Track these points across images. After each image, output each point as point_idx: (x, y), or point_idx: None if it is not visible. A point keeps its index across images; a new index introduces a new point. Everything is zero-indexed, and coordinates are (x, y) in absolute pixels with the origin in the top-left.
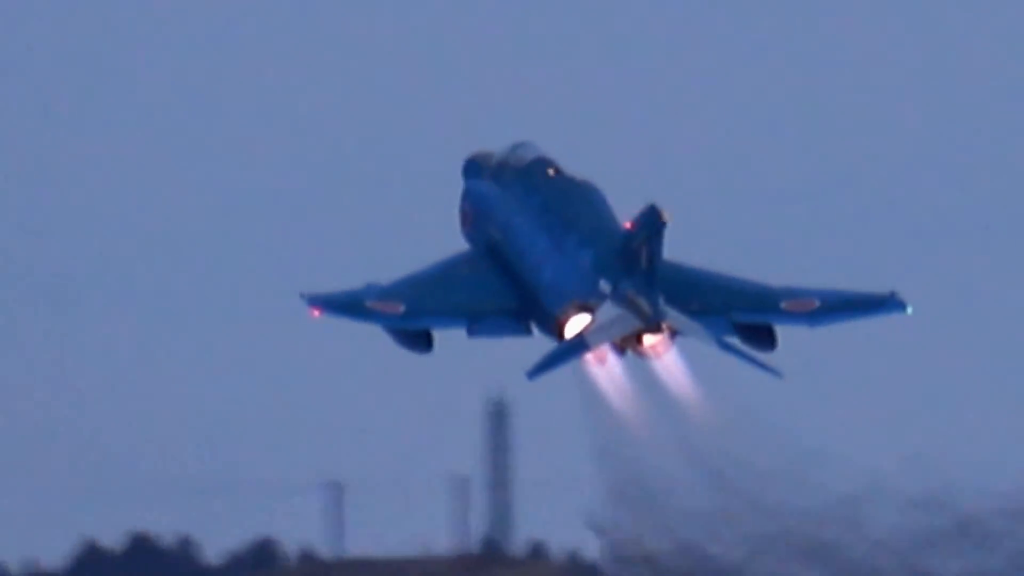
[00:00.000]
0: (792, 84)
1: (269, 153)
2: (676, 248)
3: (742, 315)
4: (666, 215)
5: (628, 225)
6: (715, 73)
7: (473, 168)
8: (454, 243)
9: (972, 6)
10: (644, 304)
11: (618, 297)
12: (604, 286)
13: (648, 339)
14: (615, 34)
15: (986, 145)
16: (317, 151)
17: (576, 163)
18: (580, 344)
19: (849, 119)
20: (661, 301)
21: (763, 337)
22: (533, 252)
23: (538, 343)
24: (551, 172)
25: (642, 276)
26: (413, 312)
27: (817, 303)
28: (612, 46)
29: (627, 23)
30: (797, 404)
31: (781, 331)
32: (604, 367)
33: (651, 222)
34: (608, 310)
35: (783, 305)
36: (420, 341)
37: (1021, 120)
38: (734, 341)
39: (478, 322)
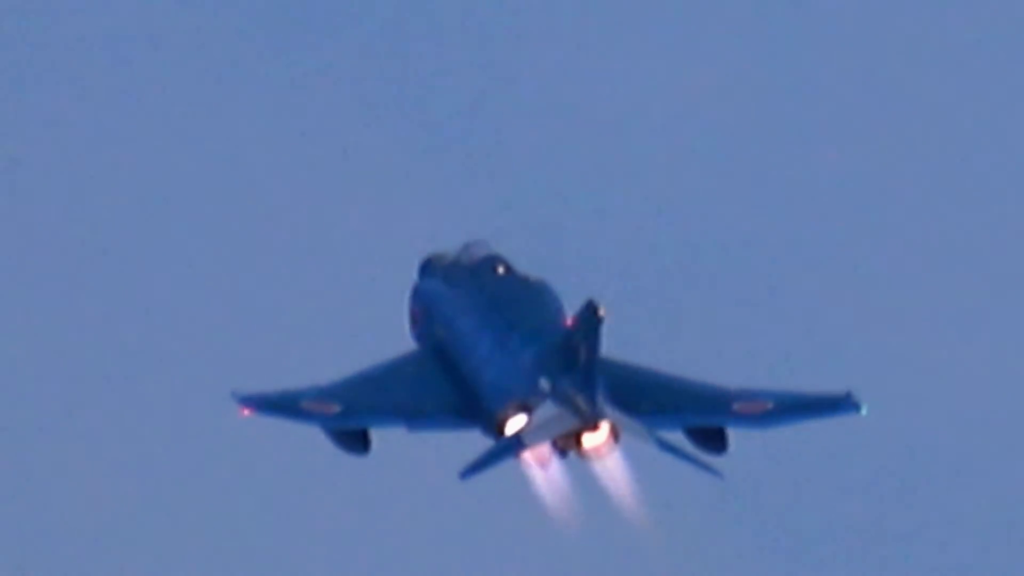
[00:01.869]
0: (740, 178)
1: (212, 246)
2: (629, 349)
3: (693, 417)
4: (603, 311)
5: (569, 322)
6: (677, 170)
7: (427, 268)
8: (406, 346)
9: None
10: (582, 402)
11: (558, 395)
12: (544, 385)
13: (588, 439)
14: (575, 133)
15: (938, 240)
16: (262, 248)
17: (537, 262)
18: (516, 443)
19: (800, 216)
20: (600, 399)
21: (715, 439)
22: (476, 351)
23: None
24: (501, 270)
25: (581, 373)
26: (349, 411)
27: (770, 405)
28: (572, 144)
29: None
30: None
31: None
32: (546, 470)
33: (589, 318)
34: (546, 409)
35: (735, 407)
36: (356, 441)
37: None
38: (676, 441)
39: (416, 422)
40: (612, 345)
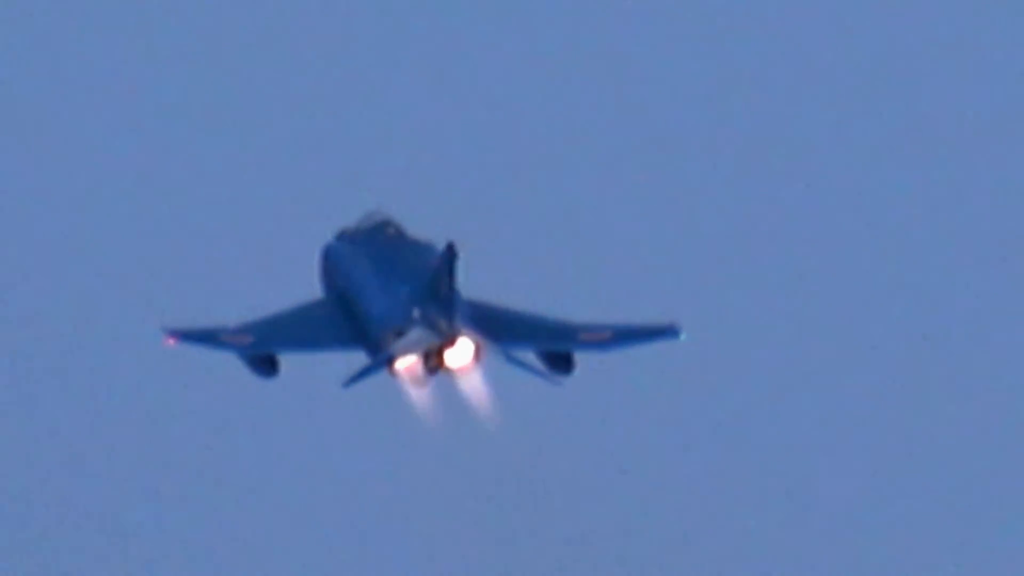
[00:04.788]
0: (587, 137)
1: (160, 205)
2: (501, 293)
3: (545, 343)
4: (457, 248)
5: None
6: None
7: (341, 237)
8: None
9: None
10: (443, 323)
11: (425, 321)
12: (416, 313)
13: (451, 357)
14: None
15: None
16: (208, 225)
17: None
18: (387, 356)
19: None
20: (458, 320)
21: (564, 362)
22: (365, 292)
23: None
24: (391, 231)
25: (443, 302)
26: (260, 341)
27: (610, 334)
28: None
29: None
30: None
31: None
32: (420, 386)
33: (448, 256)
34: (415, 331)
35: (580, 336)
36: (267, 366)
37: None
38: (522, 357)
39: (317, 350)
40: (481, 289)
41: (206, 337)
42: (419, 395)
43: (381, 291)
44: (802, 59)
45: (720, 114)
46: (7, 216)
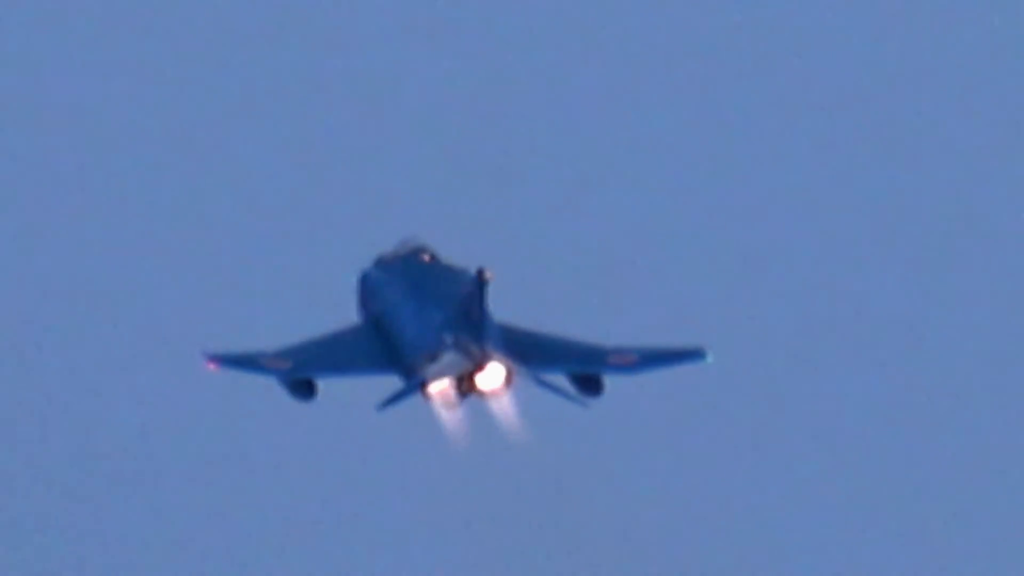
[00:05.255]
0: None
1: (207, 239)
2: (531, 318)
3: (575, 366)
4: (488, 275)
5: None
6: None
7: (379, 263)
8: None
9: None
10: (474, 348)
11: (458, 346)
12: (448, 338)
13: (482, 381)
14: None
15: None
16: (246, 246)
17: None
18: (420, 381)
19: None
20: (489, 345)
21: (593, 384)
22: (399, 318)
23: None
24: (426, 258)
25: (474, 326)
26: (299, 367)
27: (637, 356)
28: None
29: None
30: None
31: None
32: (452, 409)
33: (478, 281)
34: (447, 356)
35: (609, 359)
36: (303, 389)
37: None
38: (551, 380)
39: (353, 374)
40: (512, 313)
41: (246, 362)
42: (451, 418)
43: (415, 317)
44: (848, 89)
45: (751, 143)
46: (46, 243)
